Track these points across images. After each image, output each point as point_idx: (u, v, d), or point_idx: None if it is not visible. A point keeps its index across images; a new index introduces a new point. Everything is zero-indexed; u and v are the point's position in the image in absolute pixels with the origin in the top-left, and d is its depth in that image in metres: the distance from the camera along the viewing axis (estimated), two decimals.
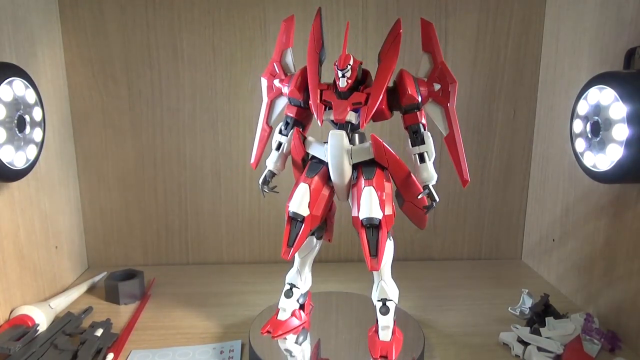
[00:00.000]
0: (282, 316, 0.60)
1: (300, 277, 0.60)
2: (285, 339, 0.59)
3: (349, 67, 0.50)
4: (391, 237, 0.54)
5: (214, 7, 0.81)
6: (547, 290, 0.73)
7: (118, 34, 0.81)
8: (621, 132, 0.56)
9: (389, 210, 0.51)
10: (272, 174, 0.59)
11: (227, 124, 0.86)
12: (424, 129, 0.52)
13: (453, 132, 0.52)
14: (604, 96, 0.58)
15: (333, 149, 0.52)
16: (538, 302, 0.67)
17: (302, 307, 0.62)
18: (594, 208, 0.70)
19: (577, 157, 0.65)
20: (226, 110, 0.85)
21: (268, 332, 0.59)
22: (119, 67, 0.82)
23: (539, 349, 0.59)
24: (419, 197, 0.53)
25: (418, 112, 0.52)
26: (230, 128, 0.86)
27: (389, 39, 0.52)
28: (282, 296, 0.60)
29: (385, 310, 0.54)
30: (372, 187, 0.51)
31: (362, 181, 0.52)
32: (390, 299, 0.55)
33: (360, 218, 0.50)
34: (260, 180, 0.59)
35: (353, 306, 0.70)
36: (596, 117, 0.60)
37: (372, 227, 0.50)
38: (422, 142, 0.52)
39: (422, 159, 0.52)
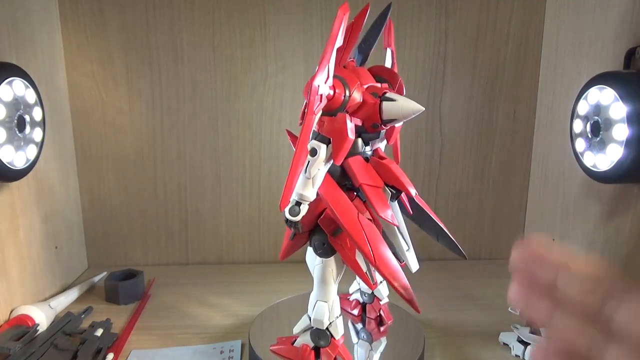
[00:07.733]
0: (351, 297, 0.64)
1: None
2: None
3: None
4: (324, 253, 0.48)
5: (214, 7, 0.81)
6: None
7: (118, 34, 0.81)
8: (621, 132, 0.56)
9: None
10: None
11: (227, 124, 0.86)
12: (322, 139, 0.44)
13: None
14: (604, 96, 0.58)
15: None
16: None
17: (364, 305, 0.63)
18: (594, 208, 0.70)
19: (577, 157, 0.65)
20: (226, 110, 0.85)
21: None
22: (119, 67, 0.82)
23: None
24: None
25: (327, 118, 0.44)
26: (230, 128, 0.86)
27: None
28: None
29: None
30: None
31: None
32: (309, 315, 0.50)
33: None
34: None
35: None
36: (596, 117, 0.60)
37: None
38: None
39: None
